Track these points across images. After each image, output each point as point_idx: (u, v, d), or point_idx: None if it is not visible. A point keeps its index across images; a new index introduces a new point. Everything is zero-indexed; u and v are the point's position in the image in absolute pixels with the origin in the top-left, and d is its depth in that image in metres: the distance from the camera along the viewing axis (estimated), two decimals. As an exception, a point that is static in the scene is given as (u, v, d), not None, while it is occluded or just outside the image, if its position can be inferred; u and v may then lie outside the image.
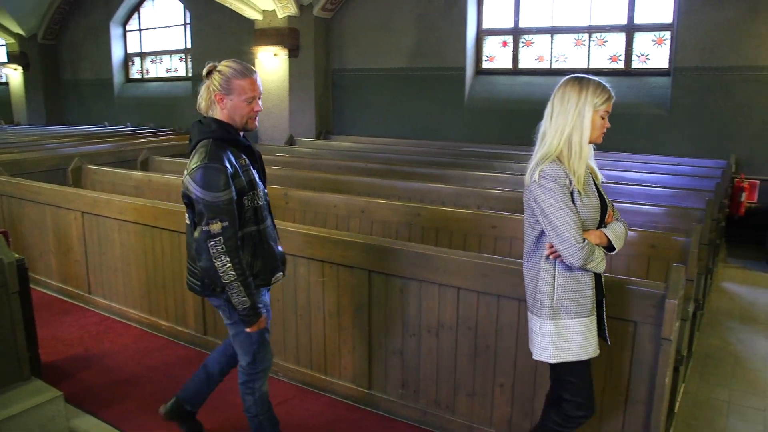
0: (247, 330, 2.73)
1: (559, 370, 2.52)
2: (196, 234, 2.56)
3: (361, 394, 3.62)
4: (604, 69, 8.63)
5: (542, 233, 2.42)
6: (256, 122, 2.75)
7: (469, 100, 9.33)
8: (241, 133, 2.72)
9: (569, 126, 2.39)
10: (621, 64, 8.57)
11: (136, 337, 4.54)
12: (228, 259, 2.52)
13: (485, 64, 9.55)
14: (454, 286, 3.17)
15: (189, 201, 2.59)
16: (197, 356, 4.21)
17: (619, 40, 8.55)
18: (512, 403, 3.14)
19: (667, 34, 8.22)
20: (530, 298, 2.51)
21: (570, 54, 8.87)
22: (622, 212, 4.33)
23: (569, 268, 2.40)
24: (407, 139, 9.22)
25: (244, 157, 2.69)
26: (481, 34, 9.48)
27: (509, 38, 9.32)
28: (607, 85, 2.42)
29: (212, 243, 2.51)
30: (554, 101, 2.44)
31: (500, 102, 9.10)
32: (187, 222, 2.75)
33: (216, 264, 2.52)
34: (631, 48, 8.48)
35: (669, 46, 8.20)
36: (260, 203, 2.72)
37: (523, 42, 9.21)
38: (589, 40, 8.74)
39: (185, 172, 2.60)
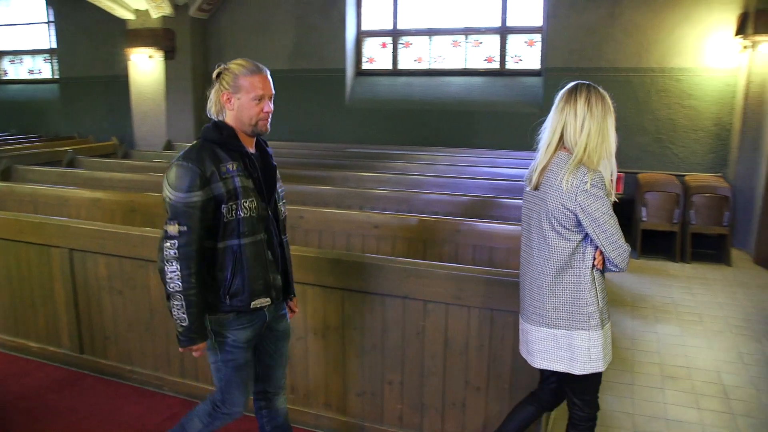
0: (180, 348, 2.44)
1: (590, 378, 2.53)
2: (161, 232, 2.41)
3: (251, 402, 3.56)
4: (480, 69, 8.98)
5: (579, 244, 2.40)
6: (269, 124, 2.54)
7: (351, 101, 9.40)
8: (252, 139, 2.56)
9: (601, 133, 2.39)
10: (496, 65, 8.94)
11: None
12: (178, 266, 2.32)
13: (365, 66, 9.66)
14: (338, 287, 3.19)
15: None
16: (74, 378, 3.98)
17: (493, 41, 8.92)
18: (402, 399, 3.20)
19: (538, 37, 8.67)
20: (567, 313, 2.42)
21: (447, 55, 9.15)
22: (502, 207, 4.56)
23: (602, 275, 2.46)
24: (290, 142, 9.15)
25: (235, 162, 2.42)
26: (361, 35, 9.58)
27: (388, 40, 9.48)
28: None
29: (167, 245, 2.33)
30: (578, 106, 2.41)
31: (381, 102, 9.24)
32: None
33: (166, 268, 2.34)
34: (505, 49, 8.87)
35: (540, 48, 8.65)
36: (247, 215, 2.40)
37: (402, 43, 9.39)
38: (466, 42, 9.06)
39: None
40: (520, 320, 2.63)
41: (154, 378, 3.83)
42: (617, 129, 2.48)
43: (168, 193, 2.34)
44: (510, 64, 8.89)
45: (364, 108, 9.32)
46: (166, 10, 9.39)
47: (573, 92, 2.45)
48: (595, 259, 2.42)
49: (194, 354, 2.47)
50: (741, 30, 7.19)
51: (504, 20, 8.80)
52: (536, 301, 2.49)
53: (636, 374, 4.20)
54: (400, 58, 9.45)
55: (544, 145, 2.50)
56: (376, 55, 9.60)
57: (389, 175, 5.78)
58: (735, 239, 7.30)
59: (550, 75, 8.23)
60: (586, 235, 2.40)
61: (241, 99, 2.43)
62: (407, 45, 9.36)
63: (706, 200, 6.89)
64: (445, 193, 4.96)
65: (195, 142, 2.46)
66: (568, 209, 2.36)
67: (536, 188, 2.48)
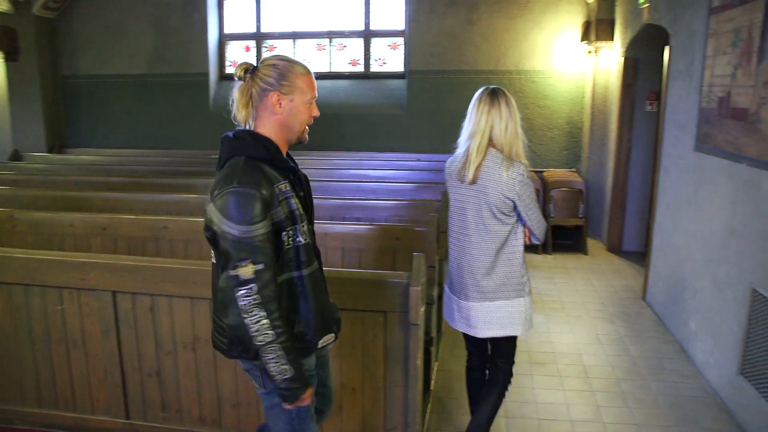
0: (286, 406, 2.08)
1: (511, 340, 3.04)
2: (220, 283, 1.95)
3: (119, 425, 3.36)
4: (345, 72, 9.04)
5: (513, 225, 2.87)
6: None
7: (215, 107, 9.15)
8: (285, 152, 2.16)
9: (519, 130, 2.83)
10: (361, 68, 9.04)
11: None
12: (263, 314, 1.90)
13: (229, 70, 9.43)
14: (206, 298, 3.07)
15: (212, 236, 1.99)
16: None
17: (358, 45, 9.02)
18: (278, 407, 3.14)
19: (401, 40, 8.86)
20: (505, 285, 2.87)
21: (312, 58, 9.13)
22: (369, 209, 4.60)
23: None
24: (152, 150, 8.75)
25: (285, 182, 2.05)
26: (224, 38, 9.35)
27: (252, 43, 9.32)
28: None
29: (242, 292, 1.89)
30: (501, 110, 2.81)
31: (248, 107, 9.04)
32: (213, 261, 2.12)
33: (247, 321, 1.89)
34: (369, 53, 8.99)
35: (403, 51, 8.84)
36: (305, 241, 2.07)
37: (266, 47, 9.26)
38: (330, 45, 9.09)
39: (207, 199, 2.01)
40: (457, 300, 2.99)
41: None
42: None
43: (228, 229, 1.90)
44: (374, 67, 9.03)
45: (229, 113, 9.07)
46: (4, 5, 8.60)
47: (494, 97, 2.84)
48: (525, 235, 2.93)
49: (304, 404, 2.10)
50: (585, 36, 7.73)
51: (367, 24, 8.93)
52: (477, 280, 2.88)
53: (505, 362, 4.39)
54: (265, 62, 9.30)
55: (475, 147, 2.82)
56: (240, 59, 9.39)
57: (257, 181, 5.66)
58: (590, 229, 7.84)
59: (414, 77, 8.45)
60: (518, 217, 2.88)
61: (295, 101, 2.08)
62: (271, 48, 9.25)
63: (563, 194, 7.33)
64: (313, 197, 4.93)
65: (234, 160, 2.02)
66: (508, 198, 2.80)
67: (473, 183, 2.82)
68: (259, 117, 2.10)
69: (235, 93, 2.11)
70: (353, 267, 3.94)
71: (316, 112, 2.18)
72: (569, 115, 8.23)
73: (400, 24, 8.82)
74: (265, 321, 1.90)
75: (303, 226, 2.07)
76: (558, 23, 8.03)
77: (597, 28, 7.39)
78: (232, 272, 1.90)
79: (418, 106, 8.36)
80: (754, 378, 3.53)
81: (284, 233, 2.01)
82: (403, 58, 8.87)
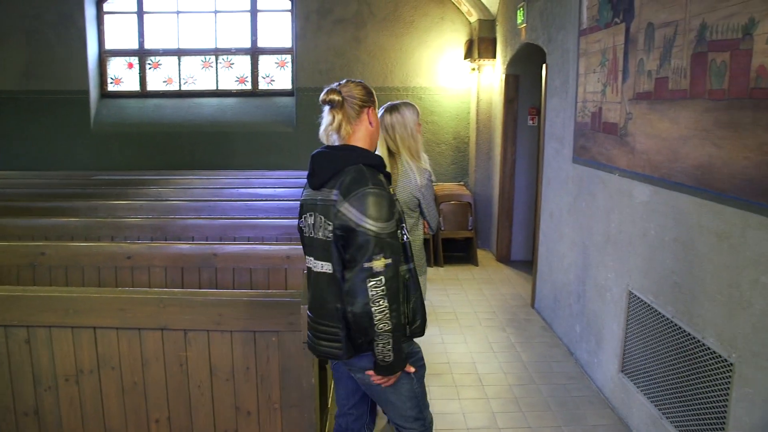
0: (379, 381, 2.34)
1: None
2: (349, 275, 2.19)
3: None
4: (232, 90, 8.87)
5: (417, 218, 3.56)
6: None
7: (96, 125, 8.69)
8: None
9: (414, 140, 3.49)
10: (248, 86, 8.90)
11: None
12: (387, 304, 2.15)
13: (111, 87, 9.01)
14: (89, 326, 2.89)
15: (344, 233, 2.20)
16: None
17: (245, 62, 8.87)
18: (169, 436, 2.99)
19: (288, 58, 8.81)
20: None
21: (199, 76, 8.90)
22: (259, 228, 4.52)
23: None
24: (27, 171, 8.18)
25: (390, 186, 2.37)
26: (104, 54, 8.92)
27: (135, 60, 8.96)
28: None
29: (372, 283, 2.13)
30: (394, 124, 3.45)
31: (130, 126, 8.67)
32: (322, 270, 2.32)
33: (373, 309, 2.15)
34: (257, 70, 8.88)
35: (291, 69, 8.79)
36: (407, 238, 2.40)
37: (150, 64, 8.94)
38: (217, 63, 8.89)
39: (333, 199, 2.23)
40: None
41: None
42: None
43: (367, 225, 2.16)
44: (262, 85, 8.92)
45: (111, 132, 8.68)
46: None
47: (390, 111, 3.48)
48: (424, 226, 3.64)
49: (387, 383, 2.38)
50: (468, 54, 8.01)
51: (254, 41, 8.81)
52: None
53: (402, 376, 4.41)
54: (148, 79, 8.97)
55: (385, 155, 3.40)
56: (123, 76, 9.01)
57: (142, 202, 5.43)
58: (480, 241, 8.08)
59: (302, 95, 8.42)
60: (420, 212, 3.54)
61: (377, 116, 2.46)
62: (156, 65, 8.93)
63: (452, 207, 7.51)
64: (201, 217, 4.79)
65: (354, 167, 2.26)
66: (416, 197, 3.46)
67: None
68: (355, 132, 2.36)
69: (327, 116, 2.35)
70: (244, 287, 3.85)
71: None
72: (456, 131, 8.47)
73: (287, 41, 8.78)
74: (387, 312, 2.16)
75: (406, 225, 2.43)
76: (442, 41, 8.27)
77: (479, 46, 7.68)
78: (366, 264, 2.14)
79: (307, 124, 8.32)
80: (633, 375, 3.73)
81: (399, 230, 2.31)
82: (290, 75, 8.82)
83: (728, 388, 2.77)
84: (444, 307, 5.96)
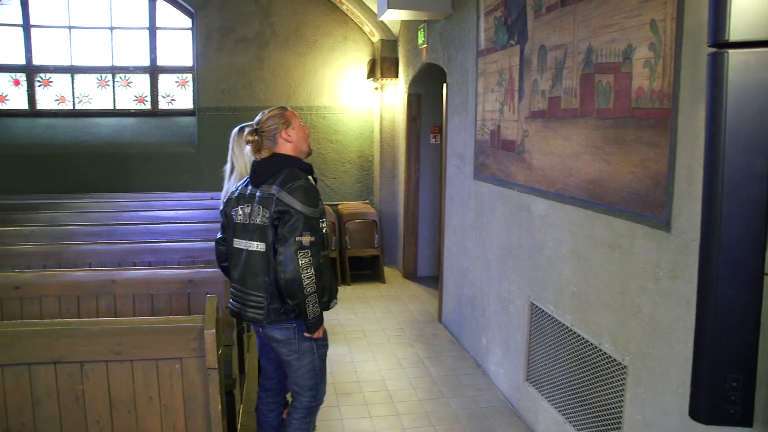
0: (310, 335, 2.89)
1: None
2: (282, 249, 2.73)
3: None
4: (131, 110, 8.55)
5: None
6: None
7: (-20, 147, 8.14)
8: None
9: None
10: (148, 105, 8.62)
11: None
12: (312, 272, 2.75)
13: (-6, 105, 8.49)
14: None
15: (278, 217, 2.77)
16: None
17: (144, 81, 8.59)
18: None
19: (190, 77, 8.61)
20: None
21: (94, 95, 8.52)
22: (160, 252, 4.37)
23: None
24: None
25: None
26: (-13, 71, 8.39)
27: (22, 76, 8.46)
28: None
29: (301, 254, 2.71)
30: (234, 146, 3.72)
31: (19, 147, 8.15)
32: (256, 249, 2.88)
33: (302, 275, 2.72)
34: (157, 89, 8.60)
35: (192, 88, 8.59)
36: (326, 231, 2.94)
37: (39, 81, 8.47)
38: (114, 81, 8.56)
39: (272, 192, 2.81)
40: None
41: None
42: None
43: (301, 209, 2.74)
44: (163, 104, 8.66)
45: (-3, 154, 8.14)
46: None
47: (241, 133, 3.55)
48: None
49: (317, 335, 2.93)
50: (371, 74, 8.11)
51: (153, 59, 8.55)
52: None
53: (312, 397, 4.36)
54: (38, 97, 8.50)
55: (239, 175, 3.52)
56: (10, 94, 8.49)
57: (33, 228, 5.12)
58: (386, 258, 8.15)
59: (204, 114, 8.24)
60: None
61: (296, 128, 2.97)
62: (46, 83, 8.48)
63: (358, 226, 7.55)
64: (99, 242, 4.56)
65: (290, 169, 2.88)
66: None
67: None
68: (281, 149, 2.94)
69: (248, 151, 2.99)
70: (145, 314, 3.68)
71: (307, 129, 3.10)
72: (360, 149, 8.54)
73: (188, 60, 8.57)
74: (312, 277, 2.75)
75: (325, 220, 2.93)
76: (345, 61, 8.34)
77: (382, 65, 7.80)
78: (298, 238, 2.72)
79: (209, 144, 8.15)
80: (538, 383, 3.86)
81: (321, 221, 2.86)
82: (192, 94, 8.61)
83: (623, 389, 2.92)
84: (352, 325, 5.96)
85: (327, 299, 3.00)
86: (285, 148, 2.94)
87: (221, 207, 3.18)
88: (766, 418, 2.05)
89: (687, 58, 2.42)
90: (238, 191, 3.04)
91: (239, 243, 2.95)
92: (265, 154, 2.92)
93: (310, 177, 2.93)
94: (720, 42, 1.65)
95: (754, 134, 1.63)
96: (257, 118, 2.98)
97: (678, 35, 2.46)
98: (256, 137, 2.92)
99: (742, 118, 1.64)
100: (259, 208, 2.86)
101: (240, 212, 2.96)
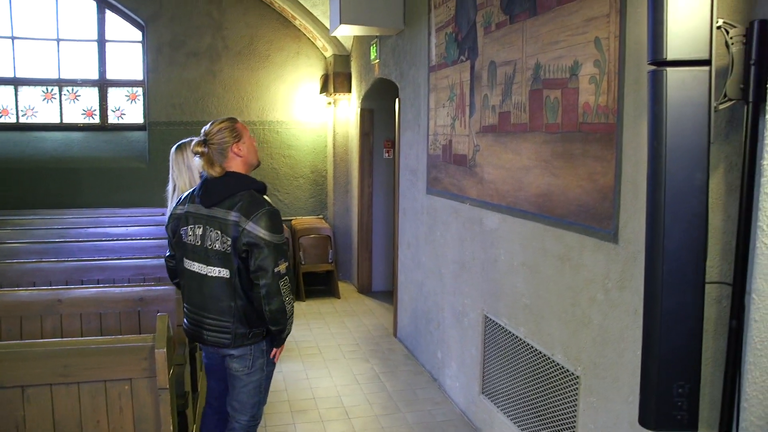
0: (277, 349, 2.96)
1: None
2: (263, 282, 2.68)
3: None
4: (79, 124, 8.35)
5: None
6: None
7: None
8: None
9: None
10: (97, 119, 8.43)
11: None
12: (292, 296, 2.79)
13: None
14: None
15: (247, 249, 2.69)
16: None
17: (92, 95, 8.40)
18: None
19: (140, 91, 8.46)
20: None
21: (40, 108, 8.28)
22: (109, 269, 4.27)
23: None
24: None
25: None
26: None
27: (-40, 89, 8.19)
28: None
29: (282, 282, 2.70)
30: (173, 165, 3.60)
31: (-42, 163, 7.89)
32: (219, 275, 2.78)
33: (286, 302, 2.74)
34: (106, 103, 8.42)
35: (143, 102, 8.44)
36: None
37: (-21, 94, 8.20)
38: (60, 94, 8.34)
39: (232, 219, 2.71)
40: None
41: None
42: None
43: (270, 239, 2.68)
44: (112, 118, 8.48)
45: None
46: None
47: (179, 151, 3.55)
48: None
49: (281, 353, 3.03)
50: (324, 88, 8.12)
51: (102, 73, 8.37)
52: None
53: (267, 415, 4.29)
54: (-22, 111, 8.23)
55: (180, 193, 3.35)
56: (-57, 106, 8.20)
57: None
58: (341, 273, 8.12)
59: (155, 129, 8.10)
60: None
61: (246, 142, 2.86)
62: (-14, 96, 8.21)
63: (312, 241, 7.51)
64: (44, 260, 4.43)
65: (246, 192, 2.78)
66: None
67: None
68: (230, 166, 2.81)
69: (200, 162, 2.79)
70: (94, 334, 3.58)
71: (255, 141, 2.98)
72: (313, 164, 8.52)
73: (138, 74, 8.43)
74: (292, 301, 2.79)
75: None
76: (298, 75, 8.33)
77: (335, 80, 7.82)
78: (276, 269, 2.68)
79: (161, 159, 7.99)
80: (493, 395, 3.90)
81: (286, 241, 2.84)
82: (143, 109, 8.46)
83: (576, 398, 2.97)
84: (307, 341, 5.91)
85: None
86: (235, 162, 2.82)
87: (167, 223, 3.05)
88: (710, 421, 2.11)
89: (630, 75, 2.50)
90: (185, 209, 2.90)
91: (193, 266, 2.85)
92: (218, 170, 2.77)
93: (266, 198, 2.86)
94: (659, 60, 1.72)
95: (693, 149, 1.70)
96: (205, 128, 2.84)
97: (621, 53, 2.54)
98: (204, 149, 2.77)
99: (682, 133, 1.70)
100: (217, 233, 2.74)
101: (190, 232, 2.84)
